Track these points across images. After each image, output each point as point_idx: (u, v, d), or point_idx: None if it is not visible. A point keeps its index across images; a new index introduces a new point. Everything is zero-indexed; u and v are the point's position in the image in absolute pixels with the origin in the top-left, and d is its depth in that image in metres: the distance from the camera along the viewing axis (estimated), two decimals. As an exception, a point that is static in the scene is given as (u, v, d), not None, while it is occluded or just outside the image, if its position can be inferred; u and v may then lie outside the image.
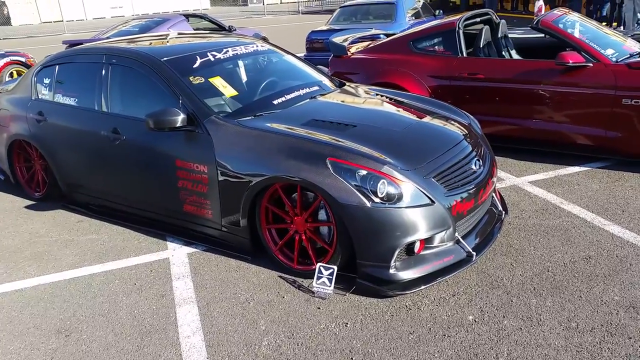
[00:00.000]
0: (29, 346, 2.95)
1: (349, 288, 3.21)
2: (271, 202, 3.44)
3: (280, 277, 3.43)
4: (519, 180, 4.74)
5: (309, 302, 3.14)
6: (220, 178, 3.52)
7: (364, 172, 3.07)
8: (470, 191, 3.33)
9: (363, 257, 3.11)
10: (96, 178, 4.38)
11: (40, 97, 4.75)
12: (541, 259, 3.42)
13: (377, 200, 3.02)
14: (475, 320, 2.89)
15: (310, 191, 3.25)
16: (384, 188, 3.04)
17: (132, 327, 3.05)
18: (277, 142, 3.35)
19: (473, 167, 3.45)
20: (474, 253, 3.29)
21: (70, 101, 4.50)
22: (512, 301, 3.02)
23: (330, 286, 3.16)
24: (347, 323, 2.93)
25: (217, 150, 3.52)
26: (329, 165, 3.12)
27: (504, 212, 3.88)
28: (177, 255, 3.82)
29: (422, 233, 3.08)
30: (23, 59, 10.36)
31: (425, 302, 3.06)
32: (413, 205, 3.06)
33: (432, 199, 3.10)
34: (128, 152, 4.03)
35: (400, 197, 3.04)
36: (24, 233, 4.39)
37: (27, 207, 4.93)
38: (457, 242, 3.29)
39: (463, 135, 3.67)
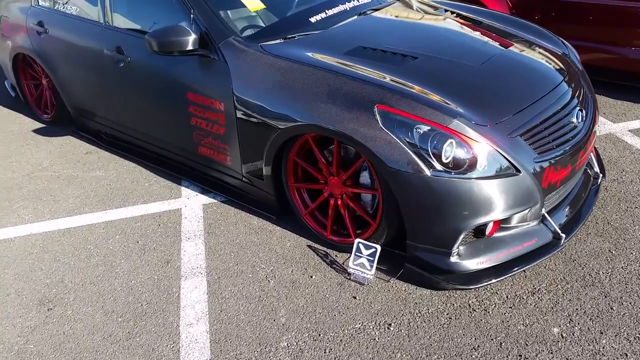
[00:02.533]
0: (4, 319, 2.47)
1: (393, 271, 2.52)
2: (301, 156, 2.70)
3: (310, 247, 2.77)
4: (616, 127, 3.78)
5: (342, 287, 2.49)
6: (240, 119, 2.79)
7: (425, 128, 2.26)
8: (568, 153, 2.47)
9: (416, 238, 2.38)
10: (103, 104, 3.72)
11: (40, 4, 4.01)
12: (651, 246, 2.60)
13: (440, 167, 2.23)
14: (562, 336, 2.17)
15: (351, 147, 2.48)
16: (451, 151, 2.23)
17: (126, 304, 2.50)
18: (310, 78, 2.54)
19: (574, 120, 2.56)
20: (563, 235, 2.50)
21: (71, 9, 3.75)
22: (612, 309, 2.27)
23: (370, 270, 2.47)
24: (390, 324, 2.28)
25: (236, 83, 2.75)
26: (377, 115, 2.31)
27: (601, 175, 3.01)
28: (191, 206, 3.20)
29: (498, 213, 2.30)
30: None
31: (495, 302, 2.35)
32: (490, 176, 2.25)
33: (518, 166, 2.28)
34: (134, 78, 3.31)
35: (472, 165, 2.23)
36: (26, 165, 3.86)
37: (36, 130, 4.38)
38: (542, 219, 2.50)
39: (562, 74, 2.74)
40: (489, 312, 2.29)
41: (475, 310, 2.31)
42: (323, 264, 2.63)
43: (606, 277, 2.43)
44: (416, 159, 2.23)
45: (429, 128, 2.25)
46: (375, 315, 2.32)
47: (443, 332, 2.21)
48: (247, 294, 2.49)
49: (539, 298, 2.35)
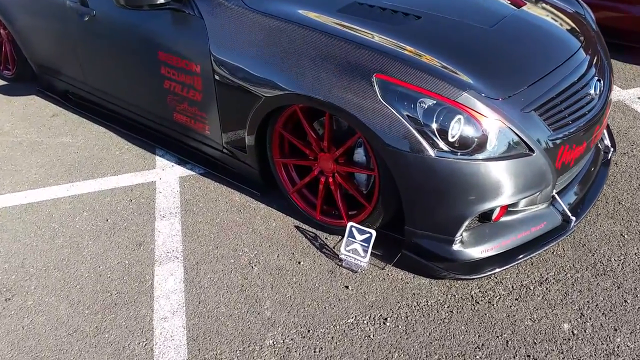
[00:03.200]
0: (-43, 311, 2.22)
1: (389, 257, 2.30)
2: (288, 128, 2.42)
3: (297, 228, 2.53)
4: (625, 94, 3.53)
5: (333, 275, 2.27)
6: (218, 83, 2.48)
7: (430, 102, 1.98)
8: (583, 129, 2.23)
9: (415, 224, 2.15)
10: (69, 62, 3.35)
11: (-8, -56, 3.55)
12: (665, 229, 2.41)
13: (445, 147, 1.97)
14: (573, 333, 1.99)
15: (344, 121, 2.21)
16: (458, 128, 1.97)
17: (93, 293, 2.25)
18: (299, 39, 2.22)
19: (591, 91, 2.30)
20: (573, 218, 2.29)
21: (27, -47, 3.31)
22: (626, 302, 2.09)
23: (364, 257, 2.25)
24: (386, 318, 2.07)
25: (214, 43, 2.43)
26: (376, 86, 2.03)
27: (612, 148, 2.79)
28: (167, 178, 2.92)
29: (508, 197, 2.07)
30: None
31: (500, 293, 2.15)
32: (500, 157, 2.00)
33: (531, 145, 2.03)
34: (100, 34, 2.95)
35: (482, 144, 1.98)
36: (-15, 128, 3.51)
37: (-4, 89, 4.00)
38: (552, 201, 2.28)
39: (579, 39, 2.45)
40: (493, 305, 2.10)
41: (478, 303, 2.12)
42: (312, 248, 2.40)
43: (619, 265, 2.24)
44: (419, 137, 1.97)
45: (434, 102, 1.98)
46: (369, 308, 2.11)
47: (444, 329, 2.02)
48: (228, 282, 2.26)
49: (547, 289, 2.16)
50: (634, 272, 2.21)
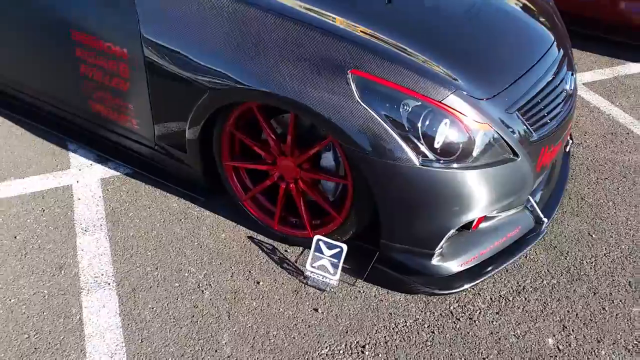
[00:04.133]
0: None
1: (358, 271, 2.07)
2: (240, 127, 2.07)
3: (252, 239, 2.21)
4: (568, 78, 3.51)
5: (299, 296, 2.00)
6: (151, 72, 2.07)
7: (415, 103, 1.73)
8: (561, 127, 2.10)
9: (393, 237, 1.92)
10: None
11: None
12: (627, 225, 2.38)
13: (430, 155, 1.74)
14: (558, 348, 1.88)
15: (313, 123, 1.90)
16: (444, 133, 1.74)
17: (5, 336, 1.82)
18: (259, 26, 1.86)
19: (567, 86, 2.18)
20: (545, 219, 2.19)
21: None
22: (604, 309, 2.02)
23: (334, 275, 2.00)
24: (364, 345, 1.85)
25: (145, 22, 2.00)
26: (352, 84, 1.74)
27: (570, 140, 2.72)
28: (85, 181, 2.46)
29: (492, 205, 1.90)
30: None
31: (480, 306, 2.00)
32: (486, 164, 1.81)
33: (516, 149, 1.86)
34: (1, 7, 2.39)
35: (467, 150, 1.77)
36: None
37: None
38: (526, 204, 2.15)
39: (551, 30, 2.30)
40: (475, 322, 1.95)
41: (459, 320, 1.95)
42: (271, 264, 2.11)
43: (591, 269, 2.18)
44: (402, 143, 1.72)
45: (418, 104, 1.73)
46: (344, 335, 1.87)
47: (427, 353, 1.83)
48: (175, 312, 1.92)
49: (525, 299, 2.04)
50: (606, 275, 2.15)
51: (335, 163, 2.00)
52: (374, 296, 2.01)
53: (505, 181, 1.89)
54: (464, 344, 1.87)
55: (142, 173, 2.45)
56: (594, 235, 2.33)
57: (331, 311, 1.95)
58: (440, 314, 1.97)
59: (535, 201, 2.19)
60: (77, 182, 2.46)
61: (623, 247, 2.27)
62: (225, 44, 1.89)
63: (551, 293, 2.07)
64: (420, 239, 1.89)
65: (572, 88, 2.22)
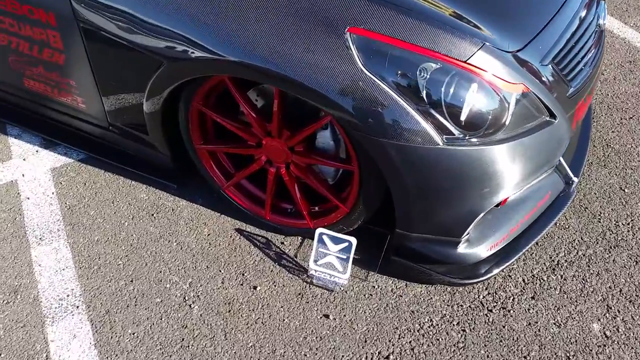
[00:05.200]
0: None
1: (369, 261, 1.77)
2: (212, 103, 1.67)
3: (240, 232, 1.88)
4: None
5: (304, 300, 1.70)
6: (89, 39, 1.63)
7: (434, 66, 1.36)
8: (594, 73, 1.76)
9: (411, 226, 1.61)
10: None
11: None
12: (661, 174, 2.11)
13: (456, 131, 1.39)
14: (605, 334, 1.66)
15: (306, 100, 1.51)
16: (472, 102, 1.39)
17: (-45, 391, 1.50)
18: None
19: (601, 22, 1.81)
20: (575, 177, 1.89)
21: None
22: (649, 280, 1.79)
23: (344, 273, 1.70)
24: (387, 356, 1.58)
25: (74, -24, 1.54)
26: (352, 46, 1.35)
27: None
28: (33, 173, 2.06)
29: (526, 179, 1.59)
30: None
31: (512, 292, 1.74)
32: (521, 133, 1.48)
33: (554, 110, 1.52)
34: None
35: (498, 119, 1.41)
36: None
37: None
38: (557, 165, 1.85)
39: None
40: (509, 312, 1.70)
41: (491, 312, 1.70)
42: (267, 262, 1.80)
43: (629, 232, 1.92)
44: (421, 120, 1.37)
45: (438, 66, 1.36)
46: (363, 344, 1.61)
47: (461, 358, 1.59)
48: (161, 337, 1.61)
49: (562, 277, 1.79)
50: (647, 238, 1.91)
51: (334, 142, 1.64)
52: (391, 291, 1.73)
53: (542, 149, 1.57)
54: (501, 341, 1.63)
55: (99, 158, 2.05)
56: (626, 190, 2.06)
57: (344, 316, 1.67)
58: (470, 307, 1.71)
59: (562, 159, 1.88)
60: (23, 175, 2.05)
61: (660, 201, 2.02)
62: (193, 2, 1.45)
63: (588, 266, 1.82)
64: (444, 226, 1.59)
65: (605, 22, 1.85)
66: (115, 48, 1.59)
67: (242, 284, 1.73)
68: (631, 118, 2.34)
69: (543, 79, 1.50)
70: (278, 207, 1.84)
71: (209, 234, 1.87)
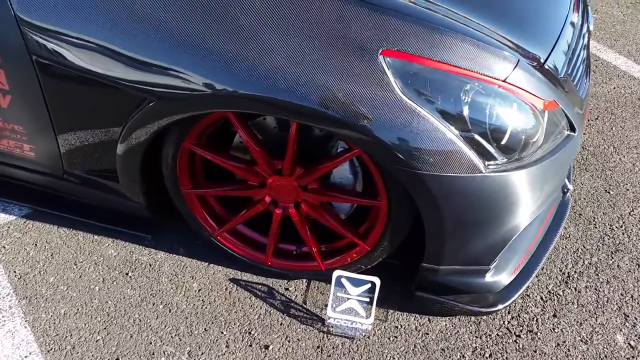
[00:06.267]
0: None
1: (383, 300, 1.62)
2: (203, 142, 1.43)
3: (236, 283, 1.64)
4: None
5: (325, 353, 1.51)
6: (48, 77, 1.33)
7: (476, 88, 1.23)
8: (587, 76, 1.75)
9: (441, 260, 1.47)
10: None
11: None
12: (636, 173, 2.16)
13: (498, 156, 1.28)
14: (630, 345, 1.63)
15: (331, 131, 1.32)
16: (513, 124, 1.28)
17: None
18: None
19: (591, 27, 1.80)
20: (570, 185, 1.88)
21: None
22: (654, 282, 1.80)
23: (367, 318, 1.52)
24: (428, 406, 1.44)
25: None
26: (388, 70, 1.19)
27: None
28: (-37, 238, 1.67)
29: (552, 196, 1.53)
30: None
31: (534, 313, 1.66)
32: (551, 151, 1.40)
33: (575, 124, 1.47)
34: None
35: (535, 139, 1.33)
36: None
37: None
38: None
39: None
40: (537, 335, 1.62)
41: (519, 337, 1.61)
42: (274, 315, 1.57)
43: (623, 234, 1.93)
44: (464, 147, 1.24)
45: (479, 87, 1.24)
46: (400, 397, 1.45)
47: (503, 394, 1.48)
48: (168, 423, 1.35)
49: (576, 290, 1.75)
50: (639, 237, 1.93)
51: (352, 175, 1.47)
52: (416, 329, 1.59)
53: (566, 164, 1.51)
54: (537, 368, 1.55)
55: (50, 212, 1.71)
56: (611, 192, 2.08)
57: (373, 366, 1.50)
58: (498, 334, 1.61)
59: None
60: (-51, 242, 1.66)
61: (642, 200, 2.06)
62: (181, 22, 1.20)
63: (597, 275, 1.79)
64: (476, 256, 1.47)
65: (592, 27, 1.85)
66: (82, 84, 1.31)
67: (250, 345, 1.50)
68: (597, 119, 2.40)
69: (564, 92, 1.44)
70: (279, 249, 1.63)
71: (199, 290, 1.61)
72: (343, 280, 1.51)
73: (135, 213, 1.64)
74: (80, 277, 1.61)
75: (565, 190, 1.85)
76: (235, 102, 1.22)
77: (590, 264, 1.83)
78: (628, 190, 2.09)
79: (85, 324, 1.51)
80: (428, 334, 1.58)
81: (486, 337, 1.60)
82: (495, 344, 1.58)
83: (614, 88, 2.59)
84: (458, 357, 1.54)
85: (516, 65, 1.28)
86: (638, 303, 1.73)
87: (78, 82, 1.30)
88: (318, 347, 1.52)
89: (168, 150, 1.41)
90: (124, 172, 1.47)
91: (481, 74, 1.23)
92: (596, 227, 1.95)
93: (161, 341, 1.49)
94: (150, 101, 1.25)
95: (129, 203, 1.60)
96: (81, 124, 1.42)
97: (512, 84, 1.26)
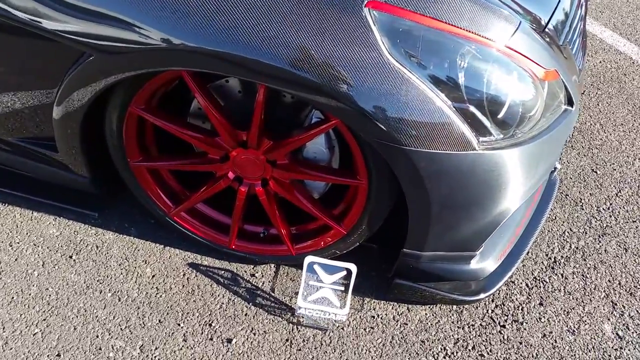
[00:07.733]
0: None
1: (358, 286, 1.47)
2: (153, 106, 1.23)
3: (196, 268, 1.47)
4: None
5: (295, 348, 1.36)
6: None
7: (473, 51, 1.07)
8: (583, 50, 1.61)
9: (424, 245, 1.32)
10: None
11: None
12: (622, 151, 2.06)
13: (495, 131, 1.13)
14: (618, 335, 1.54)
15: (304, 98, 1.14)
16: (512, 94, 1.13)
17: None
18: None
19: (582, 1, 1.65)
20: (558, 165, 1.75)
21: None
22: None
23: (342, 308, 1.38)
24: (407, 404, 1.32)
25: None
26: (372, 26, 1.01)
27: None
28: None
29: (545, 174, 1.41)
30: None
31: (519, 300, 1.55)
32: (549, 126, 1.25)
33: (573, 97, 1.33)
34: None
35: (527, 112, 1.18)
36: None
37: None
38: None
39: None
40: (522, 325, 1.51)
41: (504, 327, 1.50)
42: (238, 304, 1.41)
43: (611, 216, 1.83)
44: (457, 121, 1.08)
45: (477, 51, 1.07)
46: (376, 395, 1.32)
47: (486, 390, 1.37)
48: None
49: (562, 276, 1.64)
50: (628, 222, 1.82)
51: (328, 149, 1.30)
52: (394, 319, 1.46)
53: (562, 140, 1.38)
54: (521, 358, 1.44)
55: (-20, 185, 1.50)
56: (597, 172, 1.97)
57: (346, 359, 1.36)
58: (481, 325, 1.49)
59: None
60: None
61: (630, 181, 1.96)
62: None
63: (585, 260, 1.69)
64: (462, 241, 1.33)
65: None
66: (9, 34, 1.09)
67: (211, 339, 1.34)
68: (583, 94, 2.28)
69: (564, 58, 1.29)
70: (244, 231, 1.46)
71: (153, 276, 1.44)
72: (315, 267, 1.36)
73: (79, 188, 1.44)
74: (16, 260, 1.41)
75: (553, 169, 1.73)
76: (190, 59, 1.02)
77: (577, 248, 1.72)
78: (615, 170, 1.99)
79: (21, 315, 1.32)
80: (407, 324, 1.45)
81: (469, 327, 1.48)
82: (479, 335, 1.47)
83: (600, 62, 2.48)
84: (439, 349, 1.42)
85: (517, 28, 1.12)
86: (625, 290, 1.63)
87: (5, 32, 1.09)
88: (287, 340, 1.37)
89: (112, 115, 1.20)
90: (62, 140, 1.26)
91: (480, 36, 1.07)
92: (583, 209, 1.84)
93: (109, 334, 1.32)
94: (89, 55, 1.05)
95: (72, 176, 1.40)
96: (11, 83, 1.21)
97: (512, 49, 1.11)
